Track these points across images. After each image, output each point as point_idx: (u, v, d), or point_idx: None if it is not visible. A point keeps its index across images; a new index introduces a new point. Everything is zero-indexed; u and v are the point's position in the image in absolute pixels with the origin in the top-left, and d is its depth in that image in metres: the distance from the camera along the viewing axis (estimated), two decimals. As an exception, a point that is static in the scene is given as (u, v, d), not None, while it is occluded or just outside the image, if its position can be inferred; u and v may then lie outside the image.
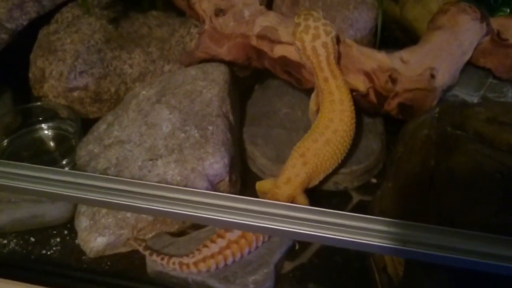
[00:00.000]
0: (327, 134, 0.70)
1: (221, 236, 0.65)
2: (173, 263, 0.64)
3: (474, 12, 0.81)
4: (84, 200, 0.55)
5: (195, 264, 0.63)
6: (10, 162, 0.57)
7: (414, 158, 0.64)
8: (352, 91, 0.75)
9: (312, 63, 0.72)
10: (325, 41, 0.72)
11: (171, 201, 0.52)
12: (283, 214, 0.51)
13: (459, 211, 0.53)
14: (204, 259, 0.63)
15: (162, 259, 0.65)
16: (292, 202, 0.67)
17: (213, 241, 0.65)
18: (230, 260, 0.64)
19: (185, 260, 0.64)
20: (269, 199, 0.68)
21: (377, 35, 1.00)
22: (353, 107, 0.72)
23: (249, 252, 0.66)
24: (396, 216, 0.58)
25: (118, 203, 0.53)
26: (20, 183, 0.55)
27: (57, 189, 0.54)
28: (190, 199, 0.52)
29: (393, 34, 1.06)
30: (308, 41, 0.72)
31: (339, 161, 0.72)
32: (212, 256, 0.64)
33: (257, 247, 0.66)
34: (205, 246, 0.64)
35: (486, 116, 0.60)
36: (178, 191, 0.53)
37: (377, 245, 0.48)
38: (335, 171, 0.75)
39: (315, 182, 0.72)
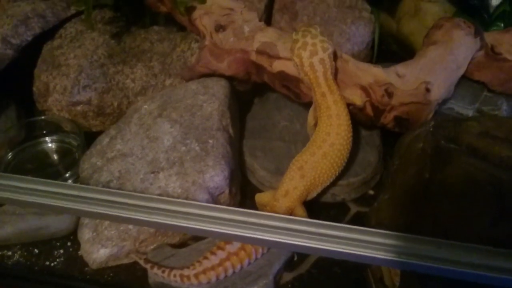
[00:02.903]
0: (324, 147, 0.71)
1: (221, 248, 0.66)
2: (174, 276, 0.65)
3: (468, 27, 0.83)
4: (87, 213, 0.56)
5: (196, 276, 0.65)
6: (16, 175, 0.58)
7: (410, 170, 0.65)
8: (349, 105, 0.77)
9: (310, 78, 0.74)
10: (322, 58, 0.73)
11: (173, 213, 0.54)
12: (282, 227, 0.52)
13: (453, 222, 0.55)
14: (204, 271, 0.65)
15: (163, 271, 0.66)
16: (290, 214, 0.69)
17: (213, 253, 0.66)
18: (230, 271, 0.66)
19: (185, 272, 0.65)
20: (268, 211, 0.69)
21: (374, 49, 1.03)
22: (350, 121, 0.73)
23: (249, 263, 0.67)
24: (392, 227, 0.60)
25: (121, 216, 0.55)
26: (25, 196, 0.57)
27: (62, 202, 0.56)
28: (191, 211, 0.54)
29: (390, 48, 1.08)
30: (306, 57, 0.74)
31: (337, 173, 0.74)
32: (213, 268, 0.65)
33: (256, 258, 0.68)
34: (206, 258, 0.66)
35: (478, 130, 0.62)
36: (179, 204, 0.55)
37: (374, 257, 0.50)
38: (333, 183, 0.76)
39: (313, 194, 0.74)
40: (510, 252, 0.47)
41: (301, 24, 0.82)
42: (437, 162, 0.61)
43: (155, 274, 0.66)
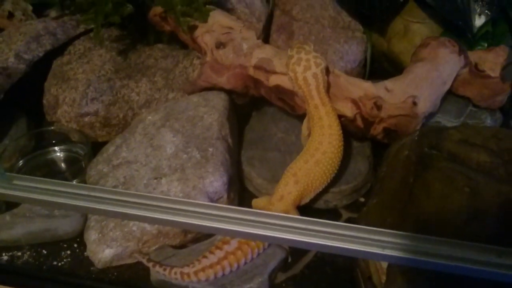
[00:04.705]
0: (317, 155, 0.76)
1: (219, 248, 0.70)
2: (175, 273, 0.69)
3: (453, 46, 0.88)
4: (96, 210, 0.60)
5: (195, 273, 0.69)
6: (31, 177, 0.63)
7: (396, 176, 0.70)
8: (341, 116, 0.82)
9: (304, 91, 0.79)
10: (315, 72, 0.79)
11: (177, 212, 0.58)
12: (277, 223, 0.57)
13: (433, 221, 0.59)
14: (203, 269, 0.69)
15: (165, 269, 0.70)
16: None
17: (212, 253, 0.70)
18: (227, 270, 0.70)
19: (185, 270, 0.69)
20: (263, 215, 0.73)
21: (366, 67, 1.08)
22: (341, 131, 0.78)
23: (245, 263, 0.71)
24: (379, 227, 0.64)
25: (128, 213, 0.59)
26: (39, 195, 0.61)
27: (73, 201, 0.60)
28: (194, 210, 0.58)
29: (381, 66, 1.13)
30: (300, 72, 0.79)
31: (329, 180, 0.78)
32: (211, 266, 0.69)
33: (252, 258, 0.72)
34: (205, 257, 0.70)
35: (458, 138, 0.67)
36: (182, 203, 0.59)
37: (359, 250, 0.54)
38: (325, 190, 0.81)
39: (307, 199, 0.78)
40: (482, 246, 0.51)
41: (296, 41, 0.88)
42: (420, 167, 0.65)
43: (157, 272, 0.70)
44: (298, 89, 0.80)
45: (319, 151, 0.76)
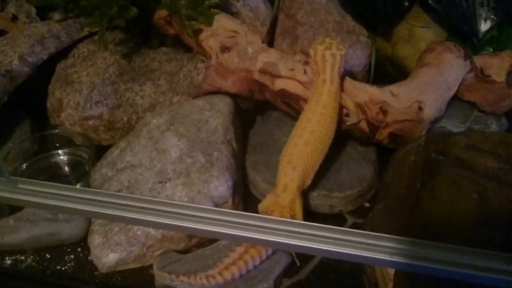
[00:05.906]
0: (305, 135, 0.76)
1: (239, 245, 0.70)
2: (200, 278, 0.69)
3: (458, 50, 0.88)
4: (100, 215, 0.60)
5: (220, 273, 0.68)
6: (35, 181, 0.62)
7: (402, 181, 0.70)
8: (345, 115, 0.82)
9: (318, 65, 0.81)
10: (334, 53, 0.81)
11: (181, 216, 0.58)
12: (282, 229, 0.56)
13: (441, 228, 0.59)
14: (227, 267, 0.69)
15: (189, 277, 0.69)
16: (292, 208, 0.73)
17: (232, 251, 0.70)
18: (250, 263, 0.70)
19: (210, 272, 0.69)
20: (273, 210, 0.73)
21: (370, 71, 1.08)
22: (335, 115, 0.79)
23: (266, 255, 0.71)
24: (385, 233, 0.64)
25: (133, 217, 0.59)
26: (43, 199, 0.61)
27: (77, 205, 0.60)
28: (199, 215, 0.58)
29: (386, 71, 1.13)
30: (320, 50, 0.81)
31: (322, 158, 0.78)
32: (234, 262, 0.69)
33: (267, 255, 0.72)
34: (226, 256, 0.70)
35: (465, 143, 0.66)
36: (187, 207, 0.59)
37: (366, 257, 0.53)
38: (330, 195, 0.80)
39: (309, 181, 0.78)
40: (491, 253, 0.51)
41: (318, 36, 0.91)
42: (427, 173, 0.65)
43: (181, 282, 0.69)
44: (314, 65, 0.82)
45: (306, 131, 0.77)
